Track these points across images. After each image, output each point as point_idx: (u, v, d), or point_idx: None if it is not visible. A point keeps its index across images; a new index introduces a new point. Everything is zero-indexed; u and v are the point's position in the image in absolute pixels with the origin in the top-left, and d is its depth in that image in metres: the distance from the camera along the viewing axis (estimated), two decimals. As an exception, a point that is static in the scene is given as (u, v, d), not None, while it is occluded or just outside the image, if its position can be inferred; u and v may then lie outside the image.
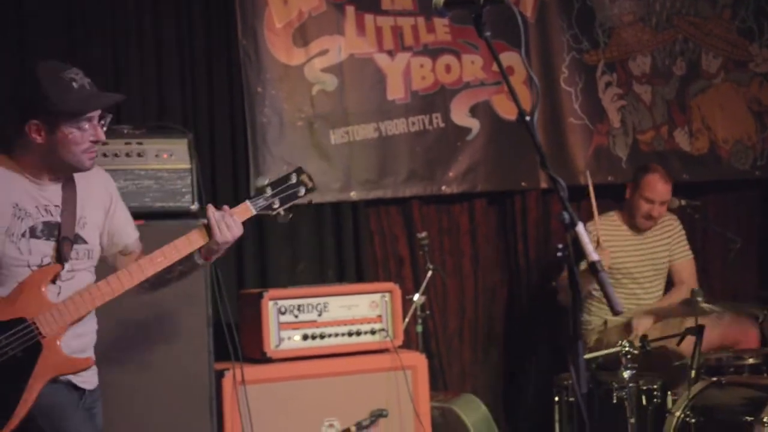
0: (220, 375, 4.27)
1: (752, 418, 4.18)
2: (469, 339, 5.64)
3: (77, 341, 3.11)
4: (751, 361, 4.84)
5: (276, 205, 3.24)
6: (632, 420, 4.39)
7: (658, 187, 5.19)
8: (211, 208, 3.14)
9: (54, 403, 3.03)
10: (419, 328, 4.99)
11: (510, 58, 5.11)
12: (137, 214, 4.17)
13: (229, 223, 3.13)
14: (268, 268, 5.15)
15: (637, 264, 5.28)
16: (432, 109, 5.49)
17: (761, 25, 6.27)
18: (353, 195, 5.28)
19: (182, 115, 4.96)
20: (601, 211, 5.30)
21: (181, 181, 4.26)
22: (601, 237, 5.00)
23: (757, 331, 5.04)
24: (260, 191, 3.25)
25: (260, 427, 4.25)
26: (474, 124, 5.57)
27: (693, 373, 4.56)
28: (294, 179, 3.28)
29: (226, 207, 3.16)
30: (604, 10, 5.91)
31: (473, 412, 4.99)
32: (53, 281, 3.03)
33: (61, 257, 3.05)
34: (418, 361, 4.60)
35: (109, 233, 3.27)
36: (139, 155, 4.19)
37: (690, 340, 4.61)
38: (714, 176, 6.12)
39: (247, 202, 3.22)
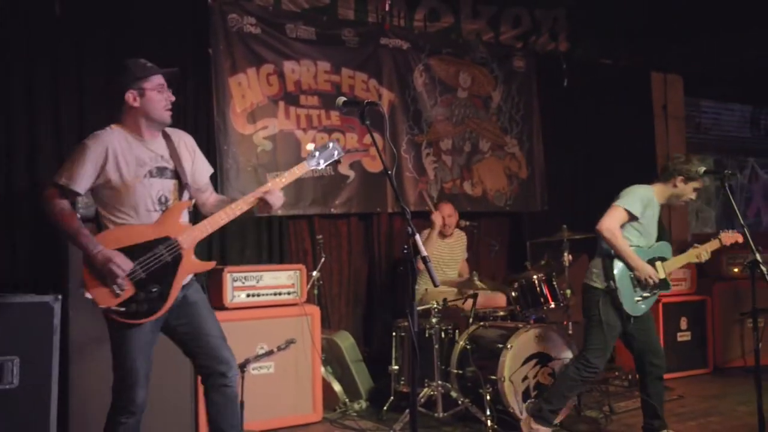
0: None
1: (502, 345, 4.26)
2: (344, 299, 5.54)
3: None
4: (501, 313, 4.90)
5: (321, 163, 2.99)
6: (437, 346, 4.38)
7: (445, 209, 5.26)
8: (271, 187, 2.88)
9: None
10: (316, 292, 4.89)
11: (375, 136, 5.07)
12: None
13: (276, 199, 2.89)
14: (227, 253, 4.97)
15: (444, 257, 5.26)
16: (327, 163, 5.41)
17: (511, 126, 6.38)
18: (279, 212, 5.09)
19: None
20: (421, 228, 5.32)
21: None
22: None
23: (504, 297, 5.08)
24: (311, 154, 2.98)
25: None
26: (351, 174, 5.48)
27: (470, 319, 4.64)
28: (331, 145, 3.02)
29: (271, 185, 2.89)
30: (427, 112, 5.91)
31: (345, 341, 4.94)
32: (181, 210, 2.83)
33: (180, 191, 2.85)
34: (315, 311, 4.49)
35: (192, 175, 2.96)
36: (151, 183, 3.98)
37: (470, 301, 4.68)
38: (484, 209, 6.17)
39: (304, 162, 2.95)
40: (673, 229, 7.08)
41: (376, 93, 5.63)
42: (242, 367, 4.05)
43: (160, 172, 2.81)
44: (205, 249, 4.78)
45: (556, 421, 3.98)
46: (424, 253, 2.48)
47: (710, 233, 7.55)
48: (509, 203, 6.29)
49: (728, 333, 5.99)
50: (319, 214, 5.37)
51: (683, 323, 5.71)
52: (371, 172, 5.51)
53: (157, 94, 2.78)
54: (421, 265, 2.47)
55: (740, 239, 3.90)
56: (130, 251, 2.69)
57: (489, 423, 4.12)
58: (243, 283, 4.31)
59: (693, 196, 3.82)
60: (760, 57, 6.91)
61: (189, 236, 2.79)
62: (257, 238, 5.14)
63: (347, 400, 4.70)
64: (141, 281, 2.69)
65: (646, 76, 7.33)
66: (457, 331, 4.61)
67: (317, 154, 3.00)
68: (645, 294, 3.73)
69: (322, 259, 4.92)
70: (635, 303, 3.71)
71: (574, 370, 3.78)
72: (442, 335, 4.51)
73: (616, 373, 5.41)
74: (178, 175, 2.85)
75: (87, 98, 4.48)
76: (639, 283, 3.70)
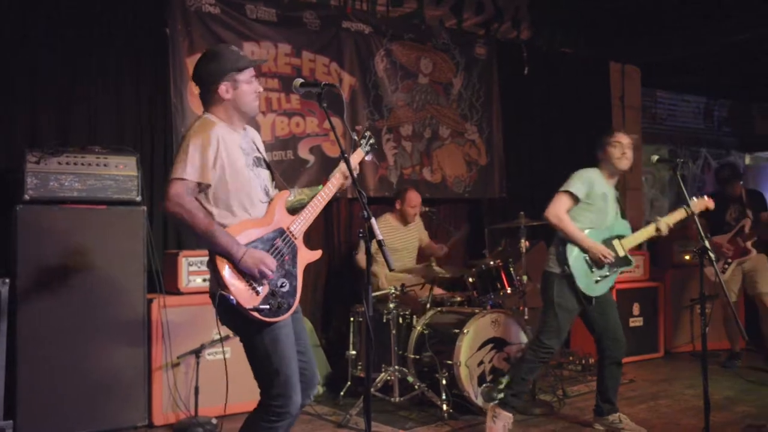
0: (150, 301, 4.05)
1: (458, 330, 4.31)
2: (303, 284, 5.42)
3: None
4: (459, 299, 4.94)
5: (368, 150, 3.07)
6: (394, 331, 4.42)
7: (414, 198, 5.23)
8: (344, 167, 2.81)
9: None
10: (274, 277, 4.85)
11: (334, 121, 5.02)
12: (103, 202, 3.96)
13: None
14: (183, 237, 4.83)
15: (403, 243, 5.25)
16: (287, 147, 5.32)
17: (471, 113, 6.40)
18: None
19: (134, 142, 4.62)
20: (381, 213, 5.32)
21: (131, 182, 4.04)
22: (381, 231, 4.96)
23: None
24: (357, 143, 3.05)
25: (174, 335, 4.04)
26: (311, 158, 5.43)
27: (428, 305, 4.67)
28: (367, 135, 3.10)
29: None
30: (387, 97, 5.89)
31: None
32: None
33: (274, 180, 2.78)
34: (273, 295, 4.46)
35: None
36: (105, 165, 3.96)
37: (428, 286, 4.70)
38: (443, 196, 6.19)
39: (360, 150, 3.03)
40: (628, 218, 7.22)
41: (337, 77, 5.59)
42: (197, 352, 4.04)
43: (257, 162, 2.70)
44: (161, 233, 4.70)
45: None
46: (380, 236, 2.50)
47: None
48: (468, 190, 6.32)
49: (678, 318, 6.16)
50: (278, 199, 5.32)
51: (635, 309, 5.85)
52: (331, 156, 5.46)
53: (248, 86, 2.64)
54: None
55: (711, 205, 3.88)
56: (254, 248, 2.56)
57: (444, 407, 4.16)
58: (199, 267, 4.26)
59: (618, 154, 3.83)
60: (726, 48, 7.02)
61: (298, 226, 2.71)
62: (215, 222, 5.07)
63: (304, 385, 4.68)
64: (272, 278, 2.58)
65: (604, 67, 7.43)
66: (414, 316, 4.63)
67: (363, 142, 3.04)
68: (604, 273, 3.82)
69: (281, 244, 4.89)
70: (594, 283, 3.80)
71: (531, 353, 3.87)
72: (400, 320, 4.53)
73: (570, 358, 5.52)
74: (268, 165, 2.76)
75: (39, 62, 4.37)
76: (595, 263, 3.77)
